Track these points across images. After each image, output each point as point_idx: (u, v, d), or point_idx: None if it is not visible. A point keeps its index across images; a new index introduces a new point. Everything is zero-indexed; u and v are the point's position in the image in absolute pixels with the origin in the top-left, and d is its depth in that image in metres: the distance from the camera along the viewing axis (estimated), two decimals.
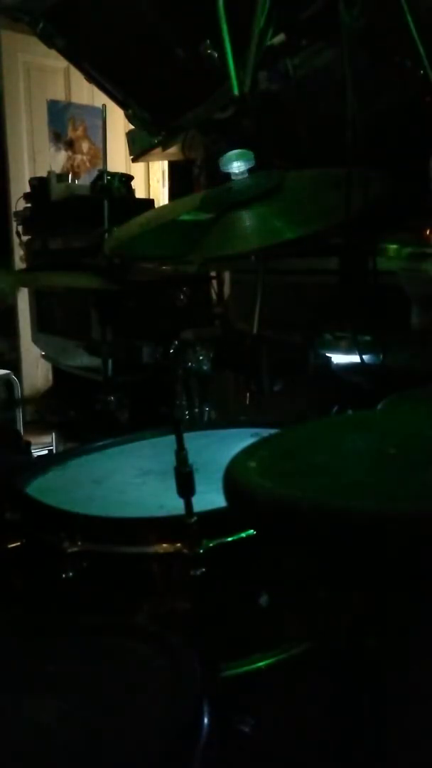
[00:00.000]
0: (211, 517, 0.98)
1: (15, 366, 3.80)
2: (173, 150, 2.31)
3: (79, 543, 1.02)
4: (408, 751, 0.98)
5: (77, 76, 2.30)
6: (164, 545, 1.01)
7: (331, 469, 0.72)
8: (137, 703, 0.75)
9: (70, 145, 4.42)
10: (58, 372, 3.18)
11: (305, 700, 1.04)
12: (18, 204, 3.27)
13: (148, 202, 3.41)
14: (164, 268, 2.05)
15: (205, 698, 0.75)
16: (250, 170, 1.46)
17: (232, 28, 1.41)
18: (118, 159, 3.51)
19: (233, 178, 1.47)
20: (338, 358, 1.50)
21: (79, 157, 4.45)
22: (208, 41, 1.45)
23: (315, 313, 1.73)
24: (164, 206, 2.55)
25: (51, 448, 3.03)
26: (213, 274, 2.23)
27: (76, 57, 1.74)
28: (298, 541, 0.62)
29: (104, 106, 1.87)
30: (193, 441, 1.03)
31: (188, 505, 0.97)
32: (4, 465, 1.69)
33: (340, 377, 1.49)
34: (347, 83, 1.29)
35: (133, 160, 2.59)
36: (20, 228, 3.19)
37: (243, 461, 0.72)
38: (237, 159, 1.46)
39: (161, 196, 4.27)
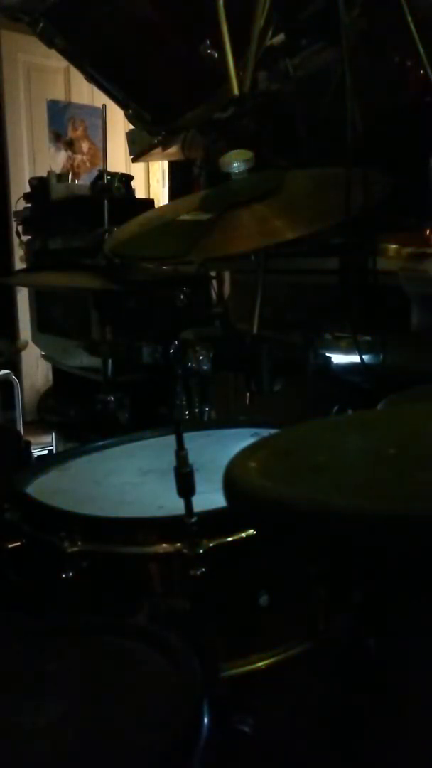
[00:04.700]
0: (211, 517, 0.98)
1: (15, 366, 3.80)
2: (173, 150, 2.31)
3: (79, 543, 1.02)
4: (408, 751, 0.98)
5: (77, 76, 2.29)
6: (164, 545, 1.01)
7: (331, 469, 0.71)
8: (137, 703, 0.75)
9: (70, 145, 4.43)
10: (58, 372, 3.18)
11: (305, 700, 1.04)
12: (18, 204, 3.27)
13: (148, 202, 3.41)
14: (164, 268, 2.05)
15: (205, 698, 0.75)
16: (250, 170, 1.46)
17: (232, 28, 1.41)
18: (118, 159, 3.51)
19: (233, 178, 1.47)
20: (338, 358, 1.50)
21: (79, 157, 4.46)
22: (208, 41, 1.45)
23: (315, 313, 1.73)
24: (164, 206, 2.54)
25: (51, 448, 3.03)
26: (213, 274, 2.23)
27: (76, 57, 1.74)
28: (298, 541, 0.62)
29: (104, 106, 1.87)
30: (193, 441, 1.03)
31: (188, 505, 0.97)
32: (4, 465, 1.69)
33: (340, 377, 1.49)
34: (347, 83, 1.29)
35: (133, 160, 2.58)
36: (20, 228, 3.19)
37: (243, 461, 0.72)
38: (237, 159, 1.46)
39: (161, 196, 4.27)
